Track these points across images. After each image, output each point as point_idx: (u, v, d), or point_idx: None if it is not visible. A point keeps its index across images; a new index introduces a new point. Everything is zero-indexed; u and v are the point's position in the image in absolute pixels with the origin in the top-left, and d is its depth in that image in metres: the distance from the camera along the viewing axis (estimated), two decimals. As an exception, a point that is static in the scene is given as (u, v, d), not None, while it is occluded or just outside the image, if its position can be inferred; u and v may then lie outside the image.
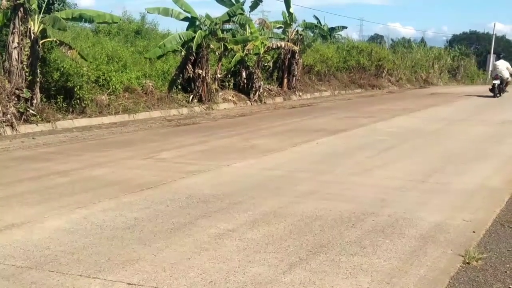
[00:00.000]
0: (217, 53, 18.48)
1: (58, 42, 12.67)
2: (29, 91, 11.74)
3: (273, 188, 6.57)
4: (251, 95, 19.22)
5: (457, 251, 4.43)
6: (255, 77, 19.28)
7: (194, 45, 16.41)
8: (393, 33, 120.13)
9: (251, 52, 19.28)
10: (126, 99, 14.55)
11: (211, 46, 17.60)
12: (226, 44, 18.16)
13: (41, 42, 12.24)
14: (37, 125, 11.71)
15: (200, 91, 16.86)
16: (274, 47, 20.92)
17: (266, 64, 21.21)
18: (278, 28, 23.11)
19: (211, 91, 17.27)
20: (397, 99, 22.61)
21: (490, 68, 47.36)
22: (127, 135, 11.33)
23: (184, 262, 4.15)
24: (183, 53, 17.36)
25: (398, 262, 4.20)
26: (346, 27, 33.57)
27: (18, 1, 11.74)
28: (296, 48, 21.59)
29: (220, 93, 18.14)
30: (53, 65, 12.98)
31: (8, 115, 11.22)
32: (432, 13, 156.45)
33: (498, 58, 26.58)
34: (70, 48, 12.64)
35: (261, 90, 19.65)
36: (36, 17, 12.22)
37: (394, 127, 12.87)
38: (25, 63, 11.83)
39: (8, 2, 11.89)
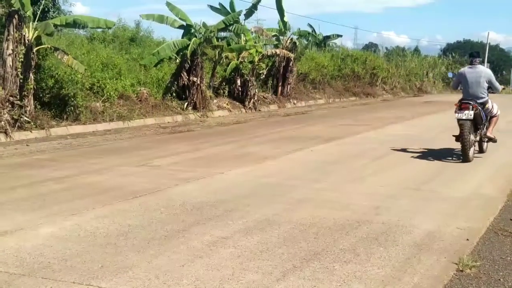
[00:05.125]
0: (212, 61, 18.51)
1: (53, 48, 12.66)
2: (23, 98, 11.72)
3: (267, 196, 6.56)
4: (246, 103, 19.26)
5: (451, 259, 4.43)
6: (249, 85, 19.33)
7: (188, 52, 16.44)
8: (387, 42, 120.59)
9: (246, 60, 19.34)
10: (120, 106, 14.55)
11: (206, 53, 17.63)
12: (221, 52, 18.21)
13: (35, 49, 12.23)
14: (31, 132, 11.68)
15: (194, 99, 16.88)
16: (269, 54, 21.00)
17: (260, 71, 21.27)
18: (273, 36, 23.25)
19: (206, 98, 17.29)
20: (391, 107, 22.69)
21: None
22: (121, 142, 11.31)
23: (177, 270, 4.13)
24: (178, 61, 17.38)
25: (391, 270, 4.20)
26: (341, 36, 33.87)
27: (13, 8, 11.74)
28: (292, 55, 21.67)
29: (215, 101, 18.16)
30: (47, 72, 12.98)
31: (2, 122, 11.20)
32: (426, 22, 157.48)
33: (472, 62, 9.60)
34: (66, 54, 12.64)
35: (256, 98, 19.70)
36: (30, 24, 12.22)
37: (388, 135, 12.90)
38: (20, 70, 11.82)
39: (3, 9, 11.89)
